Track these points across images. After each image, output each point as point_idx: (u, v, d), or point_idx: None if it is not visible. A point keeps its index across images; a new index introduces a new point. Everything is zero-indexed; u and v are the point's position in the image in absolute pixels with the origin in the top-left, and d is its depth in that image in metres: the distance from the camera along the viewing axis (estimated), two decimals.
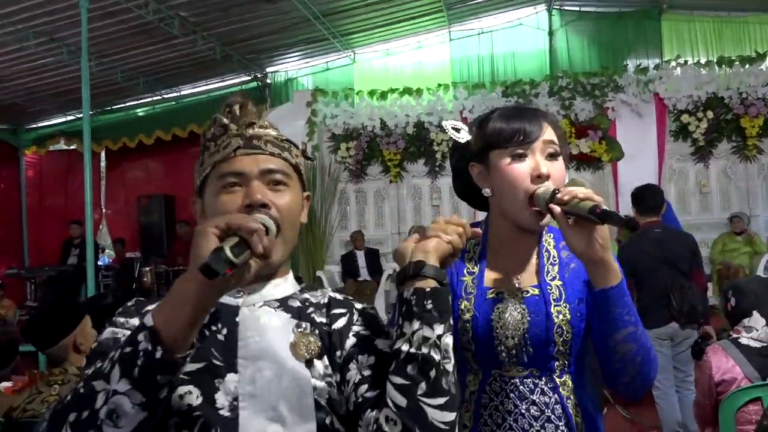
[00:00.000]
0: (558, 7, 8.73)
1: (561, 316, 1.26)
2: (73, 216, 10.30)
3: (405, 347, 0.92)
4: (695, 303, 3.76)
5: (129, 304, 1.05)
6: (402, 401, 0.90)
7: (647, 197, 4.02)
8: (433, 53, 8.81)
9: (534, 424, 1.26)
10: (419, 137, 8.41)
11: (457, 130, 1.37)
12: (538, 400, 1.28)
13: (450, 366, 0.93)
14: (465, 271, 1.37)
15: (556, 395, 1.28)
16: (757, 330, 2.50)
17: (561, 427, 1.27)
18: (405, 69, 8.72)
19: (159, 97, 9.68)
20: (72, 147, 10.09)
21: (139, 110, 9.97)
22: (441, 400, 0.90)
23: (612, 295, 1.16)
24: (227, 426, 0.93)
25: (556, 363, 1.29)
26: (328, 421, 0.98)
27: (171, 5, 6.72)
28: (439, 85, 8.40)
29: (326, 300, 1.10)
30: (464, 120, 8.30)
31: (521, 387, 1.28)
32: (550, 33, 8.74)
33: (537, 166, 1.23)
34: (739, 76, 7.77)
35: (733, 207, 7.84)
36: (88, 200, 6.00)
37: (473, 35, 8.81)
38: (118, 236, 10.58)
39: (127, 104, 9.79)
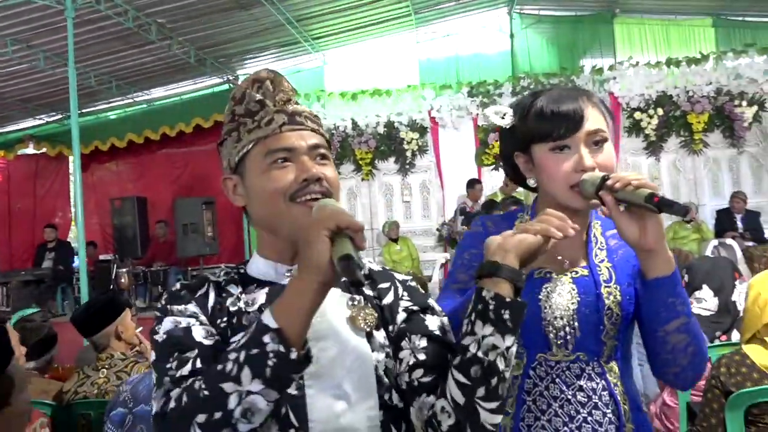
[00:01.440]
0: (518, 11, 9.19)
1: (612, 297, 1.23)
2: (43, 219, 10.33)
3: (473, 348, 0.94)
4: None
5: (176, 289, 1.06)
6: (460, 399, 0.94)
7: None
8: (402, 55, 9.15)
9: (581, 410, 1.23)
10: (389, 136, 8.77)
11: (502, 116, 1.31)
12: (585, 385, 1.23)
13: (509, 374, 0.95)
14: None
15: (603, 381, 1.24)
16: (707, 300, 2.94)
17: (608, 415, 1.23)
18: (374, 71, 9.02)
19: (131, 100, 9.78)
20: (42, 151, 10.11)
21: (110, 113, 10.04)
22: (494, 405, 0.94)
23: (665, 284, 1.13)
24: (296, 405, 0.96)
25: (604, 348, 1.25)
26: (387, 397, 1.01)
27: (149, 12, 6.91)
28: (408, 86, 8.77)
29: (366, 271, 1.10)
30: (432, 120, 8.72)
31: (567, 372, 1.24)
32: (512, 35, 9.19)
33: (580, 161, 1.19)
34: (685, 75, 8.37)
35: (683, 197, 8.43)
36: (79, 201, 6.15)
37: (440, 38, 9.18)
38: (90, 239, 10.62)
39: (99, 107, 9.85)
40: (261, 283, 1.07)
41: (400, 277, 1.14)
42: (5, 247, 10.43)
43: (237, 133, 1.07)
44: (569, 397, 1.22)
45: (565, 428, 1.23)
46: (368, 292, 1.08)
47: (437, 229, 8.66)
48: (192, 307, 1.01)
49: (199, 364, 0.93)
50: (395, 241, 8.31)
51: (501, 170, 8.35)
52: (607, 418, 1.22)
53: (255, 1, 7.05)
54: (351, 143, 8.78)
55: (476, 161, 8.70)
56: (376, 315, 1.05)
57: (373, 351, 1.02)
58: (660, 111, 8.41)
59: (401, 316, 1.06)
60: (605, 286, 1.23)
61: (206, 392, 0.86)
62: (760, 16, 8.59)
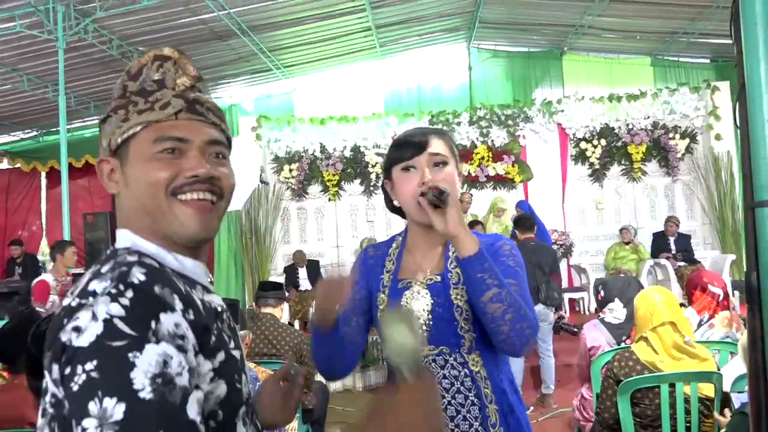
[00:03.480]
0: (476, 45, 9.88)
1: (460, 297, 1.43)
2: (13, 233, 10.55)
3: None
4: (553, 292, 5.47)
5: (144, 281, 0.79)
6: None
7: (524, 221, 5.85)
8: (368, 84, 9.73)
9: (446, 395, 1.42)
10: (355, 160, 9.33)
11: (382, 155, 1.87)
12: (448, 374, 1.43)
13: None
14: (384, 270, 1.58)
15: (465, 369, 1.43)
16: (617, 311, 3.57)
17: (470, 397, 1.42)
18: (342, 98, 9.57)
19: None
20: (16, 166, 10.36)
21: (85, 131, 10.36)
22: None
23: (473, 262, 1.33)
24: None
25: (463, 340, 1.43)
26: None
27: (132, 42, 7.37)
28: (373, 114, 9.37)
29: None
30: None
31: (433, 363, 1.44)
32: (470, 68, 9.88)
33: (422, 176, 1.44)
34: (626, 109, 9.17)
35: (623, 221, 9.18)
36: (66, 212, 6.50)
37: (403, 69, 9.81)
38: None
39: (75, 125, 10.17)
40: (199, 284, 0.93)
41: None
42: None
43: (125, 112, 0.91)
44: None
45: None
46: None
47: None
48: (182, 321, 0.79)
49: None
50: None
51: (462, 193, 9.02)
52: (469, 401, 1.42)
53: (232, 33, 7.57)
54: (319, 165, 9.30)
55: None
56: None
57: None
58: (603, 141, 9.18)
59: None
60: (454, 288, 1.44)
61: None
62: (693, 57, 9.47)
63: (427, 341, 1.45)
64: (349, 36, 8.65)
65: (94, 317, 0.73)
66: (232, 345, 0.90)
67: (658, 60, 9.57)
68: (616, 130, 9.20)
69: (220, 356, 0.85)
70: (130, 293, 0.76)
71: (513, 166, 9.15)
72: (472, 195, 8.88)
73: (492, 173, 9.12)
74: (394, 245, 1.61)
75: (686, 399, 2.63)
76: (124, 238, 0.91)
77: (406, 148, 1.49)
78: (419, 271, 1.52)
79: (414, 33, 9.23)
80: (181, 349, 0.76)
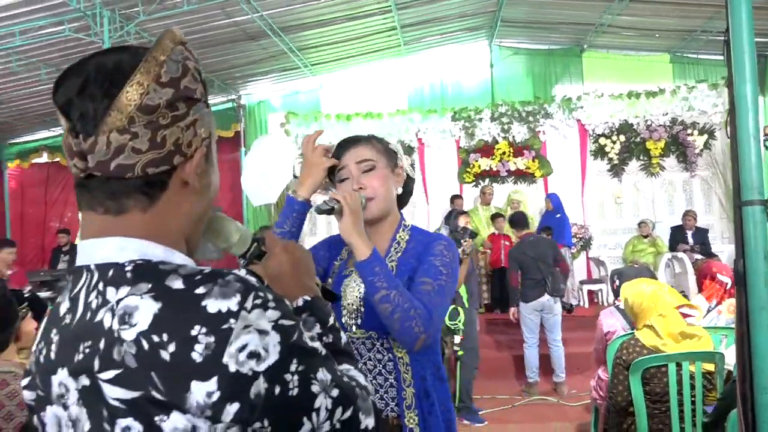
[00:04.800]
0: (498, 43, 10.12)
1: None
2: (52, 225, 11.07)
3: None
4: (559, 283, 5.89)
5: (259, 284, 0.77)
6: None
7: (519, 219, 6.29)
8: (392, 82, 10.00)
9: (368, 375, 1.53)
10: None
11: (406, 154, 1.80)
12: (373, 356, 1.55)
13: None
14: (339, 257, 1.72)
15: (390, 354, 1.54)
16: None
17: (390, 380, 1.54)
18: (367, 95, 9.87)
19: None
20: (55, 160, 10.85)
21: None
22: None
23: (363, 267, 1.45)
24: None
25: None
26: None
27: None
28: (397, 110, 9.67)
29: None
30: (419, 140, 9.62)
31: (362, 346, 1.56)
32: (492, 65, 10.13)
33: (353, 182, 1.60)
34: (645, 105, 9.36)
35: (641, 214, 9.38)
36: None
37: (426, 67, 10.08)
38: None
39: None
40: None
41: None
42: (18, 251, 11.06)
43: (207, 107, 0.86)
44: (360, 365, 1.41)
45: None
46: None
47: None
48: None
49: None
50: None
51: (478, 186, 9.31)
52: (388, 383, 1.54)
53: (264, 34, 7.91)
54: None
55: (458, 179, 9.61)
56: None
57: None
58: (622, 137, 9.39)
59: None
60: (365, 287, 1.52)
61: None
62: (711, 54, 9.61)
63: (359, 326, 1.57)
64: (375, 35, 8.94)
65: (263, 333, 0.72)
66: None
67: (676, 57, 9.71)
68: (635, 126, 9.40)
69: None
70: (263, 294, 0.75)
71: (533, 161, 9.40)
72: (492, 189, 9.17)
73: (513, 168, 9.38)
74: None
75: (691, 376, 2.93)
76: (130, 249, 0.77)
77: (336, 156, 1.64)
78: None
79: (437, 32, 9.49)
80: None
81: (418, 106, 9.78)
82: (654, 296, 2.96)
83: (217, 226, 0.99)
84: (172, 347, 0.69)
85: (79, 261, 0.80)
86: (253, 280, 0.76)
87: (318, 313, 0.96)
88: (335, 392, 0.77)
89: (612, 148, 9.40)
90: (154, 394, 0.69)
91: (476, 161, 9.47)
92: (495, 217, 8.40)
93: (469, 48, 10.18)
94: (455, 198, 8.76)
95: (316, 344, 0.79)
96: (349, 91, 10.01)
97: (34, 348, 0.83)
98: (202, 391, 0.69)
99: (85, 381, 0.74)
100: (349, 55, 9.51)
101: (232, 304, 0.72)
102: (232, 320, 0.71)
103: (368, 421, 0.82)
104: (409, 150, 9.62)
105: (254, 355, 0.71)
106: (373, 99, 9.83)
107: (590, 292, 8.84)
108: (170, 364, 0.69)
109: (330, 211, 1.50)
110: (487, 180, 9.52)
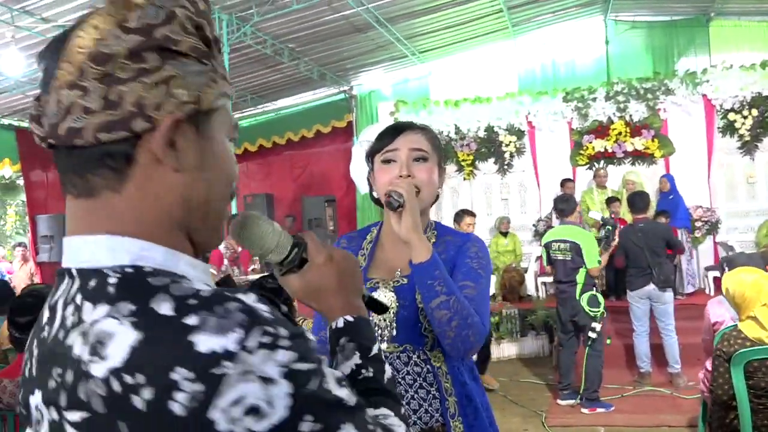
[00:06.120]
0: (614, 17, 9.65)
1: None
2: None
3: None
4: (668, 273, 5.60)
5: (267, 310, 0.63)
6: None
7: (637, 201, 5.80)
8: (501, 65, 9.86)
9: (409, 390, 1.46)
10: (489, 140, 9.57)
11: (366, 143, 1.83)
12: (411, 370, 1.47)
13: None
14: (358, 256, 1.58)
15: (428, 365, 1.47)
16: None
17: (432, 392, 1.46)
18: (476, 80, 9.79)
19: (261, 110, 11.22)
20: None
21: (243, 122, 11.53)
22: None
23: (423, 269, 1.36)
24: None
25: (426, 339, 1.47)
26: None
27: (283, 39, 8.17)
28: (507, 94, 9.52)
29: None
30: (529, 123, 9.44)
31: (398, 360, 1.47)
32: (607, 42, 9.67)
33: (401, 169, 1.48)
34: None
35: None
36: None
37: (536, 47, 9.81)
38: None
39: (235, 117, 11.34)
40: None
41: None
42: None
43: (213, 71, 0.70)
44: (399, 380, 1.44)
45: None
46: None
47: (533, 225, 9.39)
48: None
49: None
50: (504, 234, 9.08)
51: (593, 169, 8.99)
52: (431, 395, 1.46)
53: (370, 25, 8.12)
54: (454, 146, 9.66)
55: (571, 162, 9.32)
56: None
57: None
58: (755, 111, 8.63)
59: None
60: (419, 291, 1.43)
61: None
62: None
63: (392, 340, 1.48)
64: (482, 19, 8.86)
65: (268, 381, 0.57)
66: None
67: None
68: None
69: None
70: (274, 329, 0.59)
71: (653, 140, 8.91)
72: (606, 171, 8.82)
73: (630, 149, 8.95)
74: (368, 237, 1.63)
75: None
76: (122, 251, 0.64)
77: (387, 139, 1.52)
78: (389, 270, 1.54)
79: (547, 10, 9.22)
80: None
81: (529, 89, 9.57)
82: (756, 285, 2.80)
83: (249, 228, 0.85)
84: (148, 393, 0.55)
85: (65, 261, 0.67)
86: (264, 309, 0.60)
87: (360, 338, 0.82)
88: None
89: (743, 123, 8.67)
90: None
91: (590, 143, 9.13)
92: (610, 201, 8.08)
93: (582, 25, 9.79)
94: (566, 182, 8.53)
95: (343, 392, 0.63)
96: (457, 76, 10.00)
97: (26, 354, 0.70)
98: None
99: (54, 415, 0.61)
100: (456, 41, 9.50)
101: (230, 341, 0.56)
102: (227, 363, 0.55)
103: None
104: (519, 134, 9.47)
105: (253, 411, 0.55)
106: (483, 83, 9.73)
107: (716, 279, 8.27)
108: (144, 415, 0.55)
109: (394, 208, 1.38)
110: (602, 162, 9.15)
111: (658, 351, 5.79)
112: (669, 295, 5.63)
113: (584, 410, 5.18)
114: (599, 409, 5.16)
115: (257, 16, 7.08)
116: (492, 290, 8.26)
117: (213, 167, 0.70)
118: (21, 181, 11.81)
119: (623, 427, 4.81)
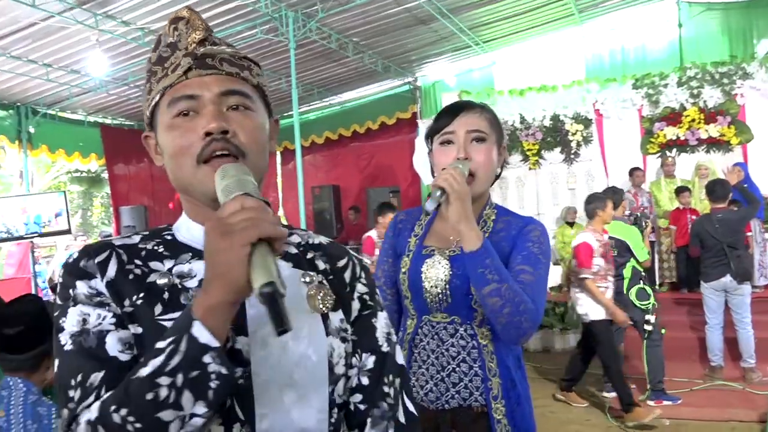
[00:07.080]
0: (687, 0, 9.29)
1: None
2: None
3: None
4: (747, 266, 5.45)
5: (75, 258, 0.87)
6: None
7: (717, 189, 5.56)
8: (567, 52, 9.68)
9: (451, 362, 1.47)
10: (555, 129, 9.43)
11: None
12: (456, 342, 1.48)
13: None
14: (412, 234, 1.61)
15: (474, 341, 1.47)
16: None
17: (475, 368, 1.46)
18: (541, 68, 9.66)
19: (327, 103, 11.45)
20: None
21: (310, 114, 11.81)
22: None
23: (474, 257, 1.37)
24: (243, 396, 0.83)
25: (476, 313, 1.47)
26: (337, 391, 0.91)
27: (348, 33, 8.34)
28: (573, 81, 9.34)
29: (317, 240, 1.01)
30: (597, 112, 9.24)
31: (444, 331, 1.49)
32: (680, 25, 9.31)
33: (459, 150, 1.48)
34: None
35: None
36: (300, 185, 7.67)
37: (605, 33, 9.57)
38: (292, 221, 12.54)
39: (302, 110, 11.64)
40: (196, 252, 0.90)
41: (355, 255, 1.03)
42: None
43: (149, 84, 0.93)
44: (443, 351, 1.48)
45: (438, 375, 1.50)
46: (322, 265, 0.98)
47: None
48: (100, 285, 0.84)
49: (104, 393, 0.76)
50: (571, 225, 8.96)
51: (662, 157, 8.73)
52: (473, 371, 1.47)
53: (433, 17, 8.15)
54: (519, 136, 9.57)
55: (642, 150, 9.06)
56: (333, 297, 0.94)
57: (328, 335, 0.91)
58: None
59: (356, 304, 0.98)
60: (470, 279, 1.42)
61: (139, 425, 0.71)
62: None
63: (443, 309, 1.50)
64: (546, 6, 8.73)
65: None
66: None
67: None
68: None
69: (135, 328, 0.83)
70: (62, 268, 0.88)
71: (729, 127, 8.54)
72: (674, 159, 8.54)
73: (704, 136, 8.62)
74: (423, 215, 1.64)
75: None
76: None
77: (444, 120, 1.52)
78: (446, 239, 1.55)
79: None
80: (101, 305, 0.83)
81: (596, 75, 9.34)
82: None
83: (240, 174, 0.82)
84: None
85: None
86: (73, 255, 0.89)
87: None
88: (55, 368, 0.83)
89: None
90: None
91: (661, 130, 8.84)
92: (680, 190, 7.84)
93: (653, 8, 9.47)
94: (634, 170, 8.32)
95: None
96: (522, 65, 9.90)
97: None
98: None
99: None
100: (520, 29, 9.41)
101: None
102: None
103: None
104: (586, 122, 9.29)
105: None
106: (548, 71, 9.57)
107: None
108: None
109: (438, 205, 1.39)
110: (674, 150, 8.86)
111: (730, 345, 5.62)
112: (747, 287, 5.46)
113: (650, 402, 5.10)
114: (665, 402, 5.07)
115: (322, 13, 7.26)
116: (558, 281, 8.18)
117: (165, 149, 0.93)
118: (105, 175, 12.55)
119: (689, 420, 4.72)
